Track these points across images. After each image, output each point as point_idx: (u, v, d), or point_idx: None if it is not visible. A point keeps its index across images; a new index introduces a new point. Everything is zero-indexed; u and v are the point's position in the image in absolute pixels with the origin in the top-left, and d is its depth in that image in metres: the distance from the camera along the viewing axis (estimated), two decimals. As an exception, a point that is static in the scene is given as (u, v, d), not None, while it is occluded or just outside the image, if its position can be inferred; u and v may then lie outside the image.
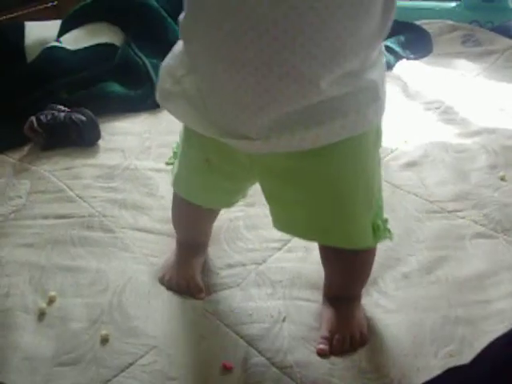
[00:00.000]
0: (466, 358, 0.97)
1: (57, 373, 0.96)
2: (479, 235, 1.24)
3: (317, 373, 0.96)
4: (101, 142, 1.56)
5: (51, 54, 1.80)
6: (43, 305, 1.07)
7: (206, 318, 1.05)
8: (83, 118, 1.54)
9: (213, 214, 1.13)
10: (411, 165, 1.46)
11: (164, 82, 0.86)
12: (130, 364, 0.97)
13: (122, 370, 0.96)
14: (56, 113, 1.55)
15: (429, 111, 1.72)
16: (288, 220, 0.94)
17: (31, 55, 1.82)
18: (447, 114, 1.69)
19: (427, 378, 0.94)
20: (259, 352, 0.99)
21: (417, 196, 1.35)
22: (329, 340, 1.00)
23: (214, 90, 0.78)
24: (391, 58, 1.95)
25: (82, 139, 1.52)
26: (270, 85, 0.72)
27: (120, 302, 1.08)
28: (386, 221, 0.95)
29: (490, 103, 1.76)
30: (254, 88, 0.73)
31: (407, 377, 0.95)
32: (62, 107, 1.58)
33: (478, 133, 1.59)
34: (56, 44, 1.83)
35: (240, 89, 0.74)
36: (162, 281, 1.12)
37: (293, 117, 0.75)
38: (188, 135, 0.94)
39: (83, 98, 1.69)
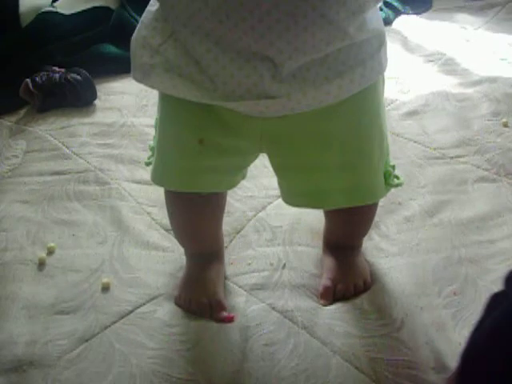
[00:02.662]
0: (469, 295, 0.96)
1: (56, 320, 0.95)
2: (482, 179, 1.23)
3: (318, 316, 0.95)
4: (97, 102, 1.54)
5: (46, 19, 1.78)
6: (43, 254, 1.06)
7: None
8: (79, 78, 1.52)
9: (218, 208, 0.99)
10: (412, 114, 1.44)
11: (139, 56, 0.74)
12: (130, 311, 0.96)
13: (122, 317, 0.95)
14: (51, 74, 1.53)
15: (429, 63, 1.69)
16: (304, 191, 0.85)
17: (26, 21, 1.80)
18: (448, 66, 1.67)
19: (431, 316, 0.93)
20: (259, 300, 0.98)
21: (418, 143, 1.33)
22: (331, 290, 0.97)
23: (218, 48, 0.68)
24: (390, 13, 1.92)
25: (78, 99, 1.50)
26: (293, 36, 0.65)
27: (120, 253, 1.07)
28: (394, 167, 0.89)
29: (491, 54, 1.73)
30: (273, 42, 0.65)
31: (410, 316, 0.93)
32: (57, 68, 1.56)
33: (479, 82, 1.57)
34: (50, 9, 1.82)
35: (256, 44, 0.65)
36: (178, 302, 0.98)
37: (314, 69, 0.68)
38: (176, 112, 0.80)
39: (79, 60, 1.66)
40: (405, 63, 1.68)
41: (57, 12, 1.81)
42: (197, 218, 0.95)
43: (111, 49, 1.71)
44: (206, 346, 0.91)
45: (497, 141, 1.33)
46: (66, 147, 1.36)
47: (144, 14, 0.75)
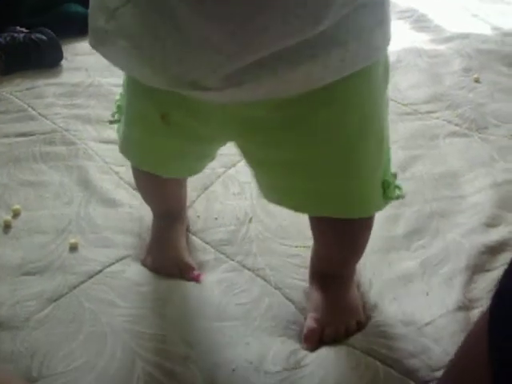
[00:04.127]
0: (438, 247, 0.97)
1: (23, 282, 0.93)
2: (453, 134, 1.23)
3: (290, 276, 0.94)
4: (64, 63, 1.50)
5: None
6: (8, 217, 1.03)
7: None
8: (44, 38, 1.47)
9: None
10: (384, 70, 1.43)
11: (95, 19, 0.63)
12: (99, 271, 0.95)
13: (90, 277, 0.94)
14: (15, 34, 1.48)
15: (401, 20, 1.68)
16: (277, 187, 0.74)
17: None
18: (420, 22, 1.66)
19: (399, 270, 0.93)
20: (227, 256, 0.97)
21: (390, 100, 1.32)
22: (317, 333, 0.83)
23: (172, 25, 0.56)
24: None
25: (44, 59, 1.46)
26: (253, 30, 0.54)
27: (87, 213, 1.05)
28: (395, 175, 0.77)
29: (463, 10, 1.72)
30: (232, 32, 0.54)
31: (377, 274, 0.93)
32: (22, 29, 1.51)
33: (451, 38, 1.56)
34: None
35: (213, 31, 0.54)
36: (145, 263, 0.96)
37: (277, 54, 0.55)
38: (136, 83, 0.68)
39: (45, 20, 1.61)
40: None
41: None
42: (157, 182, 0.89)
43: (78, 8, 1.65)
44: (178, 304, 0.90)
45: (468, 96, 1.33)
46: (32, 108, 1.33)
47: None
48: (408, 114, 1.28)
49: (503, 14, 1.71)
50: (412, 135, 1.22)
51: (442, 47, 1.52)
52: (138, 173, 0.91)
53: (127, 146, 0.82)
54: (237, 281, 0.93)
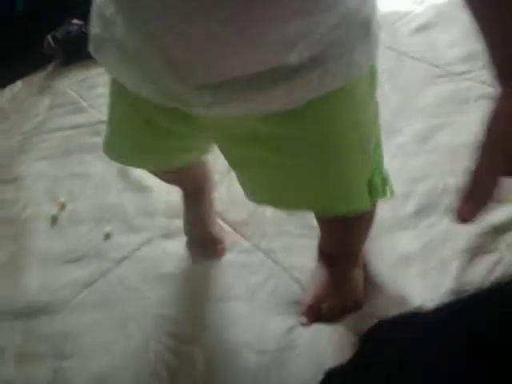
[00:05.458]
0: (442, 227, 0.96)
1: (63, 270, 1.06)
2: (485, 96, 1.17)
3: (300, 257, 0.98)
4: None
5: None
6: (55, 211, 1.17)
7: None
8: (94, 28, 1.57)
9: (198, 163, 0.97)
10: (423, 28, 1.38)
11: (94, 26, 0.65)
12: (125, 257, 1.05)
13: (119, 262, 1.05)
14: (70, 27, 1.60)
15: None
16: (267, 188, 0.76)
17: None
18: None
19: (401, 254, 0.94)
20: (244, 237, 1.04)
21: (423, 61, 1.28)
22: (314, 309, 0.89)
23: (155, 44, 0.57)
24: None
25: (95, 49, 1.56)
26: (221, 57, 0.55)
27: (121, 202, 1.16)
28: (385, 177, 0.78)
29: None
30: (200, 57, 0.56)
31: (382, 256, 0.95)
32: (75, 21, 1.62)
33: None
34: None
35: (184, 53, 0.56)
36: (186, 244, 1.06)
37: (255, 74, 0.57)
38: (122, 92, 0.70)
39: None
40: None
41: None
42: (176, 181, 1.00)
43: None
44: (192, 286, 0.99)
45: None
46: (84, 100, 1.45)
47: None
48: (439, 76, 1.24)
49: None
50: (440, 101, 1.18)
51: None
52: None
53: (113, 148, 0.83)
54: (249, 262, 1.00)
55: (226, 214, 1.08)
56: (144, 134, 0.75)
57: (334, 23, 0.56)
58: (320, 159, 0.69)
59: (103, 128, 1.29)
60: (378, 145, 0.74)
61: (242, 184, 0.78)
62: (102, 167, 1.24)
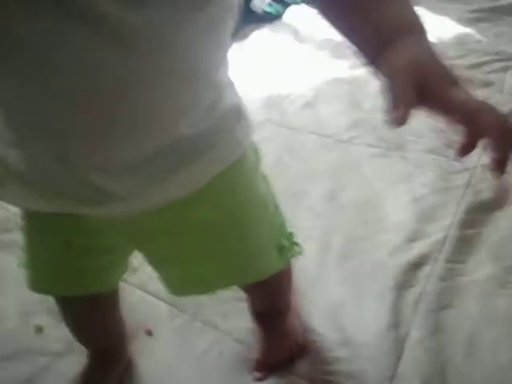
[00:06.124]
0: (365, 269, 1.06)
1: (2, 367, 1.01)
2: (375, 156, 1.33)
3: (239, 320, 1.02)
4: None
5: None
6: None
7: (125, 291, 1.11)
8: None
9: (111, 299, 0.93)
10: (306, 106, 1.54)
11: None
12: (68, 349, 1.02)
13: (61, 356, 1.02)
14: None
15: (321, 50, 1.78)
16: (186, 281, 0.79)
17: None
18: (339, 50, 1.75)
19: (334, 298, 1.02)
20: (179, 310, 1.06)
21: (313, 133, 1.42)
22: (265, 364, 0.95)
23: (48, 152, 0.60)
24: (278, 7, 1.99)
25: None
26: (107, 145, 0.59)
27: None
28: (290, 236, 0.84)
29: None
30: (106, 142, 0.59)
31: (315, 303, 1.02)
32: None
33: (367, 62, 1.66)
34: None
35: (72, 151, 0.59)
36: None
37: (151, 162, 0.61)
38: (36, 220, 0.75)
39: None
40: (297, 55, 1.77)
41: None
42: (86, 320, 0.92)
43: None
44: (141, 367, 0.98)
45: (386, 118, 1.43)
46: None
47: None
48: (331, 144, 1.38)
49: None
50: (337, 165, 1.32)
51: (358, 71, 1.62)
52: (63, 307, 0.90)
53: (35, 280, 0.81)
54: (189, 334, 1.02)
55: (158, 291, 1.08)
56: (69, 256, 0.76)
57: (220, 111, 0.63)
58: (229, 237, 0.74)
59: (13, 225, 1.29)
60: (277, 206, 0.80)
61: (163, 281, 0.81)
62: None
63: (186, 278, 0.79)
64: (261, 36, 1.92)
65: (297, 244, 0.84)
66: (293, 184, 1.24)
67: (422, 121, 1.40)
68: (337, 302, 1.02)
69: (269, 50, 1.83)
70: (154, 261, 0.79)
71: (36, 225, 0.76)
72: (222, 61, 0.63)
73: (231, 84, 0.67)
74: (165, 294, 1.05)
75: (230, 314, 1.03)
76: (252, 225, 0.75)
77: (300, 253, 0.85)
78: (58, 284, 0.81)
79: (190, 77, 0.58)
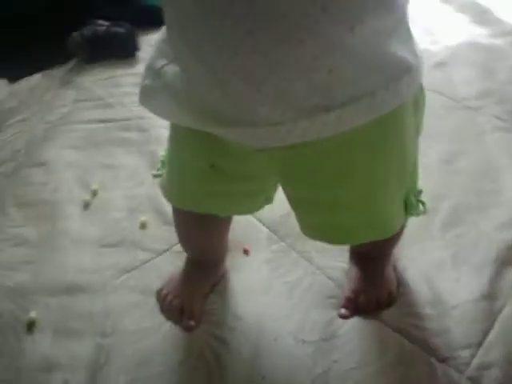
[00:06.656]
0: (470, 238, 1.04)
1: (101, 253, 1.08)
2: (500, 129, 1.28)
3: (332, 258, 1.04)
4: (140, 53, 1.64)
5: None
6: (87, 197, 1.19)
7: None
8: (121, 30, 1.62)
9: (226, 222, 0.97)
10: (440, 65, 1.49)
11: (144, 78, 0.72)
12: (166, 250, 1.08)
13: (159, 254, 1.08)
14: (96, 27, 1.64)
15: (462, 13, 1.71)
16: (317, 225, 0.81)
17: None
18: (481, 15, 1.68)
19: (432, 258, 1.01)
20: (279, 237, 1.09)
21: (442, 95, 1.38)
22: (352, 301, 0.95)
23: (210, 75, 0.61)
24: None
25: (122, 50, 1.61)
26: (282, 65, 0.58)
27: (156, 194, 1.17)
28: (419, 193, 0.84)
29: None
30: (272, 65, 0.58)
31: (413, 261, 1.01)
32: (103, 22, 1.66)
33: (510, 32, 1.58)
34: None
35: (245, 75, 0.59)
36: (157, 295, 1.00)
37: (313, 98, 0.61)
38: (184, 139, 0.78)
39: (123, 12, 1.76)
40: (438, 13, 1.71)
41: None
42: (198, 235, 0.95)
43: (153, 1, 1.79)
44: (230, 281, 1.02)
45: (520, 91, 1.37)
46: (111, 96, 1.48)
47: (158, 34, 0.72)
48: (458, 108, 1.34)
49: None
50: (460, 130, 1.28)
51: (499, 41, 1.55)
52: (184, 218, 0.93)
53: (175, 193, 0.86)
54: (284, 262, 1.05)
55: (261, 215, 1.12)
56: (209, 178, 0.78)
57: (388, 54, 0.62)
58: (368, 188, 0.74)
59: (133, 124, 1.37)
60: (416, 165, 0.80)
61: (298, 221, 0.84)
62: (133, 160, 1.28)
63: (316, 224, 0.81)
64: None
65: (423, 203, 0.83)
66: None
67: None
68: (435, 263, 1.00)
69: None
70: (291, 200, 0.81)
71: (183, 143, 0.78)
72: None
73: (410, 36, 0.66)
74: (268, 220, 1.12)
75: (327, 252, 1.04)
76: (393, 176, 0.75)
77: (424, 212, 0.84)
78: (192, 199, 0.84)
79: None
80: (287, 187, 0.79)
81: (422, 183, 1.14)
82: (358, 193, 0.74)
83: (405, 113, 0.70)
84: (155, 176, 0.92)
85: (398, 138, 0.72)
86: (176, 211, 0.94)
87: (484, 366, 0.84)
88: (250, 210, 0.92)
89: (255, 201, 0.87)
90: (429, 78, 1.41)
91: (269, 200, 0.88)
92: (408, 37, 0.66)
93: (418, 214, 0.83)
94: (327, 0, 0.54)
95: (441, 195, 1.13)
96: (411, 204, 0.81)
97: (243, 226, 1.10)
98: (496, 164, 1.19)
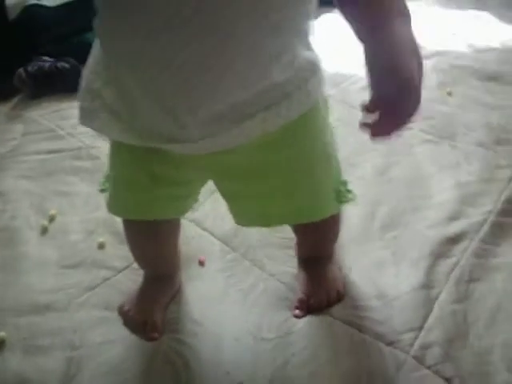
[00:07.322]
0: (407, 238, 1.14)
1: (63, 274, 1.12)
2: (426, 142, 1.41)
3: (283, 264, 1.12)
4: (84, 87, 1.70)
5: (32, 12, 1.91)
6: (45, 222, 1.23)
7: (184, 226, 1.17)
8: (67, 66, 1.68)
9: (170, 235, 1.04)
10: (367, 87, 1.61)
11: (83, 100, 0.76)
12: (126, 267, 1.13)
13: (119, 271, 1.13)
14: (42, 63, 1.69)
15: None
16: (251, 215, 0.92)
17: (13, 14, 1.93)
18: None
19: (373, 259, 1.11)
20: (232, 248, 1.16)
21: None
22: (305, 303, 1.02)
23: (146, 93, 0.69)
24: None
25: (67, 85, 1.66)
26: (207, 88, 0.67)
27: (111, 218, 1.23)
28: (345, 183, 0.93)
29: (443, 29, 1.90)
30: (186, 93, 0.67)
31: (356, 261, 1.11)
32: (47, 58, 1.72)
33: (430, 56, 1.74)
34: (36, 2, 1.95)
35: (172, 94, 0.68)
36: (120, 311, 1.04)
37: (234, 108, 0.70)
38: (123, 153, 0.85)
39: (67, 48, 1.82)
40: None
41: (42, 5, 1.94)
42: (148, 244, 1.01)
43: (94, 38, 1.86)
44: (189, 291, 1.08)
45: (441, 108, 1.51)
46: (60, 128, 1.53)
47: (89, 58, 0.78)
48: (387, 125, 1.46)
49: (478, 32, 1.91)
50: (391, 144, 1.39)
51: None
52: (133, 230, 0.99)
53: (118, 205, 0.93)
54: (237, 270, 1.12)
55: (213, 230, 1.20)
56: (152, 187, 0.86)
57: (300, 60, 0.72)
58: (294, 178, 0.85)
59: (84, 153, 1.43)
60: (336, 157, 0.90)
61: (232, 212, 0.93)
62: (87, 187, 1.33)
63: (251, 211, 0.90)
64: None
65: (350, 192, 0.93)
66: (348, 155, 1.33)
67: (474, 116, 1.48)
68: (376, 261, 1.10)
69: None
70: (226, 194, 0.91)
71: (124, 155, 0.85)
72: (310, 12, 0.71)
73: (310, 37, 0.75)
74: (219, 233, 1.19)
75: (277, 258, 1.12)
76: (318, 165, 0.86)
77: (353, 199, 0.94)
78: (135, 208, 0.91)
79: (281, 24, 0.66)
80: (223, 183, 0.89)
81: (360, 192, 1.25)
82: (281, 184, 0.85)
83: (318, 110, 0.81)
84: (101, 191, 0.96)
85: (318, 131, 0.83)
86: (126, 225, 0.99)
87: (426, 346, 0.93)
88: (184, 211, 0.98)
89: (189, 202, 0.96)
90: (359, 100, 1.55)
91: (196, 200, 0.98)
92: (309, 42, 0.75)
93: (347, 201, 0.93)
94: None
95: (378, 201, 1.24)
96: (341, 192, 0.91)
97: (197, 240, 1.18)
98: (425, 172, 1.32)
